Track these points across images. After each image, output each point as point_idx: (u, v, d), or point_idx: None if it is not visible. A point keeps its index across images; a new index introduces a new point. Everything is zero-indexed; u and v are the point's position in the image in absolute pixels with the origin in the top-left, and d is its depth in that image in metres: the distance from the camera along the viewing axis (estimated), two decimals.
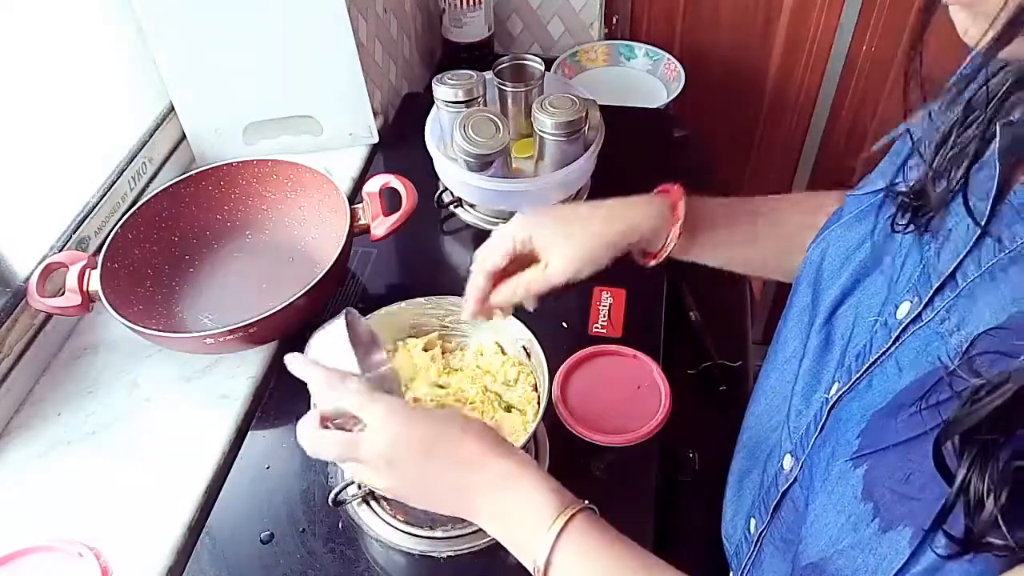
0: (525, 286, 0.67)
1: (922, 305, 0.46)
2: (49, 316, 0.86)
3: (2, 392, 0.81)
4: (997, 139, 0.43)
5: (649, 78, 1.39)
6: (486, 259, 0.68)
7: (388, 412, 0.55)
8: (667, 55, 1.38)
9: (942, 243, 0.46)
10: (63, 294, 0.83)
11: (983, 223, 0.42)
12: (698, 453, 0.84)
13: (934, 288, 0.45)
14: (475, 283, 0.68)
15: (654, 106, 1.29)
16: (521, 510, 0.53)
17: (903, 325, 0.47)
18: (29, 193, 0.88)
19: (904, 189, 0.51)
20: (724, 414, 0.74)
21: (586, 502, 0.54)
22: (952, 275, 0.44)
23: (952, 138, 0.47)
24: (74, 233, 0.91)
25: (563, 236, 0.67)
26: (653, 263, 0.71)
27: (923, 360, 0.45)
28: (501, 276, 0.69)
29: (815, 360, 0.56)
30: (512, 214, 0.99)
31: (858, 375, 0.50)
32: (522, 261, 0.68)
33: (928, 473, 0.40)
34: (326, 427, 0.57)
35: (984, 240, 0.43)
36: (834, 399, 0.52)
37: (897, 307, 0.48)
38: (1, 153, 0.85)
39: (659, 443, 0.77)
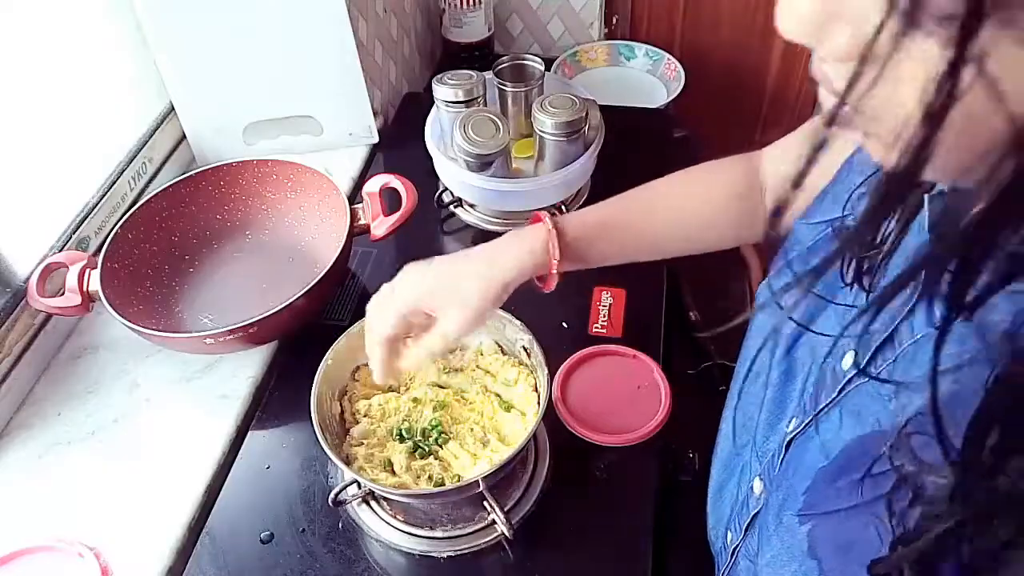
0: (428, 351, 0.67)
1: (864, 361, 0.44)
2: (49, 316, 0.86)
3: (2, 392, 0.81)
4: (926, 209, 0.40)
5: (649, 78, 1.39)
6: (374, 329, 0.68)
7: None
8: (667, 55, 1.38)
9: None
10: (63, 294, 0.83)
11: (916, 293, 0.40)
12: (698, 453, 0.85)
13: (874, 347, 0.43)
14: (374, 355, 0.68)
15: (654, 106, 1.29)
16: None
17: (848, 377, 0.46)
18: (29, 193, 0.88)
19: (848, 232, 0.49)
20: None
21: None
22: (890, 336, 0.43)
23: (887, 191, 0.44)
24: (74, 233, 0.91)
25: (449, 299, 0.66)
26: (545, 291, 0.71)
27: (864, 418, 0.43)
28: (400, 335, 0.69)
29: (778, 389, 0.56)
30: (509, 213, 1.00)
31: (809, 419, 0.49)
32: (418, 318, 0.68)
33: (865, 545, 0.39)
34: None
35: (918, 307, 0.41)
36: (790, 436, 0.51)
37: (844, 355, 0.47)
38: (1, 153, 0.85)
39: (659, 443, 0.77)
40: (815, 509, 0.45)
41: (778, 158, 0.73)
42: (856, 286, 0.47)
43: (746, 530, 0.58)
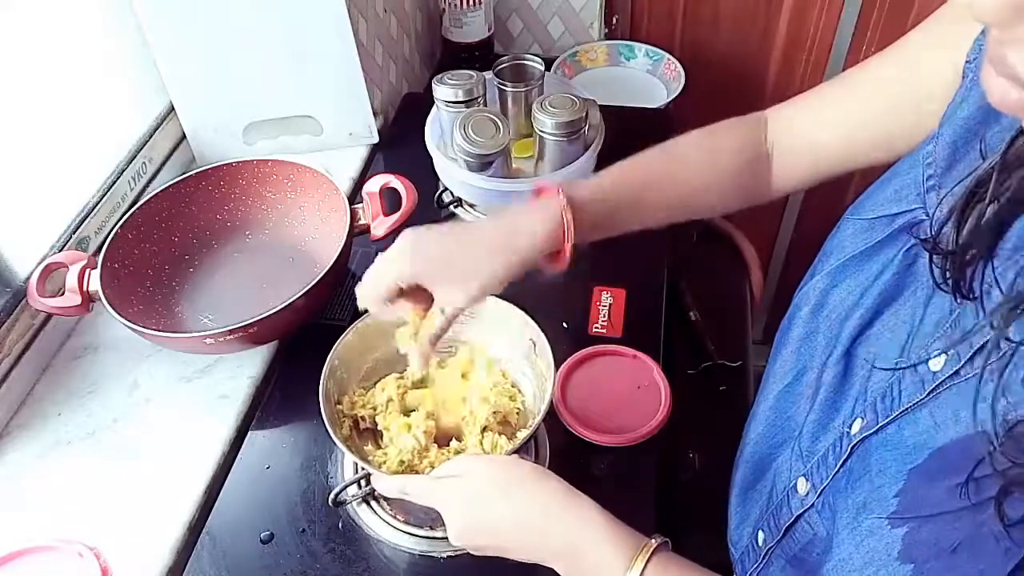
0: (436, 340, 0.65)
1: (960, 363, 0.43)
2: (49, 316, 0.86)
3: (2, 392, 0.81)
4: None
5: (649, 78, 1.39)
6: (365, 288, 0.65)
7: (450, 503, 0.59)
8: (667, 55, 1.38)
9: (978, 303, 0.42)
10: (63, 294, 0.83)
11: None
12: (698, 453, 0.85)
13: (974, 349, 0.42)
14: (369, 311, 0.67)
15: (654, 106, 1.29)
16: (595, 565, 0.54)
17: (939, 380, 0.44)
18: (29, 193, 0.88)
19: (927, 236, 0.47)
20: (724, 414, 0.74)
21: (655, 539, 0.54)
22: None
23: (976, 192, 0.41)
24: (74, 233, 0.91)
25: (454, 277, 0.63)
26: (555, 270, 0.67)
27: (961, 419, 0.42)
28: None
29: (833, 390, 0.55)
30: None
31: (886, 420, 0.48)
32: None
33: (977, 547, 0.39)
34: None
35: None
36: (858, 438, 0.50)
37: (929, 356, 0.45)
38: (1, 153, 0.85)
39: (659, 443, 0.77)
40: (913, 513, 0.43)
41: (795, 119, 0.71)
42: (947, 288, 0.45)
43: (785, 531, 0.57)
